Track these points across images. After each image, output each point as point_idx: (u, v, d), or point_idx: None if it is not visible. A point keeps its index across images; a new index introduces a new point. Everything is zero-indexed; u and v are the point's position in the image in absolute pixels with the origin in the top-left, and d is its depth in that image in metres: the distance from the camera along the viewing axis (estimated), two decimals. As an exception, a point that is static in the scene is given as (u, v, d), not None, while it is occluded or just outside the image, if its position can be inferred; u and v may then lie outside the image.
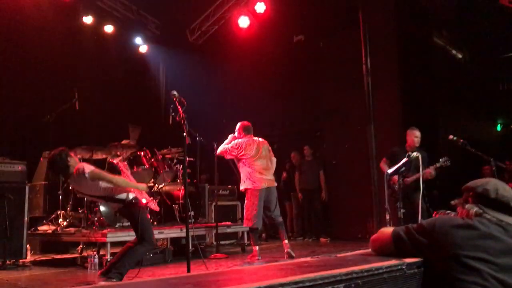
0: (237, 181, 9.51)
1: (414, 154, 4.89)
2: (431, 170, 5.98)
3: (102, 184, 4.11)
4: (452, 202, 2.05)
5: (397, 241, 1.95)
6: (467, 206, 1.92)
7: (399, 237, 1.95)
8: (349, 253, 2.10)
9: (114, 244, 5.76)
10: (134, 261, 4.19)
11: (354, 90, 8.29)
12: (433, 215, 2.11)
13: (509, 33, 8.62)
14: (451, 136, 6.14)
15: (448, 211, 2.07)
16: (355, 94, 8.31)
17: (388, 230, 2.02)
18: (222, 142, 6.34)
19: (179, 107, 4.14)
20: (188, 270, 3.70)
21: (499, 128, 11.27)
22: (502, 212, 1.85)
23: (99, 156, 6.84)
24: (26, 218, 5.82)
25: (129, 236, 5.66)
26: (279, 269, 1.76)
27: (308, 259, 2.01)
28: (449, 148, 6.47)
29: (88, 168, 4.08)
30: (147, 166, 6.85)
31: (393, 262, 1.80)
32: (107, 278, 3.95)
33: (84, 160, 6.76)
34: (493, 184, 1.92)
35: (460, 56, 9.56)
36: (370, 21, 8.13)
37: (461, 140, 6.09)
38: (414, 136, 6.30)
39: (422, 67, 8.57)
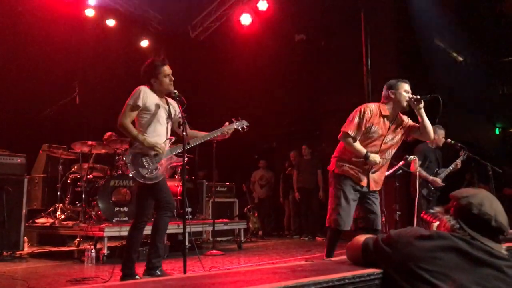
0: (235, 178, 9.58)
1: (412, 157, 4.91)
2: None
3: None
4: (436, 208, 1.94)
5: (365, 251, 1.87)
6: (446, 217, 1.80)
7: (367, 247, 1.86)
8: (343, 257, 2.12)
9: (111, 238, 5.80)
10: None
11: (354, 90, 8.31)
12: (421, 215, 2.02)
13: (510, 38, 8.64)
14: (449, 140, 6.20)
15: (438, 214, 1.94)
16: (355, 95, 8.31)
17: (360, 238, 1.94)
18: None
19: (179, 106, 4.16)
20: (184, 267, 3.75)
21: (497, 131, 11.31)
22: (480, 231, 1.68)
23: (98, 150, 6.86)
24: (24, 211, 5.86)
25: (127, 231, 5.69)
26: (273, 273, 1.79)
27: (302, 262, 2.05)
28: (447, 151, 6.51)
29: None
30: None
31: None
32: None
33: (83, 154, 6.79)
34: (479, 198, 1.72)
35: (460, 59, 9.58)
36: (371, 22, 8.14)
37: (459, 144, 6.15)
38: (443, 135, 6.32)
39: (422, 69, 8.58)
